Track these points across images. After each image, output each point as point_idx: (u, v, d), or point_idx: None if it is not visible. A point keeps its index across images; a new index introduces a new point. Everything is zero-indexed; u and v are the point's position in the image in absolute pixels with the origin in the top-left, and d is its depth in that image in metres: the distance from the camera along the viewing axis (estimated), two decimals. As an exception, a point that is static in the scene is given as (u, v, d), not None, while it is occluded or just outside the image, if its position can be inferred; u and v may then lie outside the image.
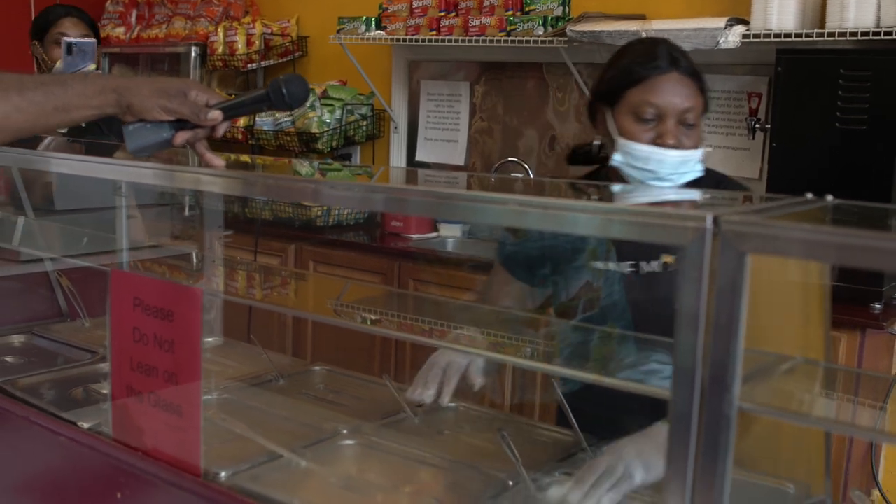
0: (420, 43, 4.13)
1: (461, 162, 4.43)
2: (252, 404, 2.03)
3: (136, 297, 1.58)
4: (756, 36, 3.16)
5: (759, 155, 3.32)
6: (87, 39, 2.81)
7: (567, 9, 3.75)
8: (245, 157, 2.31)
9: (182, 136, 1.59)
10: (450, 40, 3.97)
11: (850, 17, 3.00)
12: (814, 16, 3.19)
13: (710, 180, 1.98)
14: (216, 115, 1.57)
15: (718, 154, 3.57)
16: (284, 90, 1.57)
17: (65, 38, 2.81)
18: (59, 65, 2.83)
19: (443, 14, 4.04)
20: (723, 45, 3.15)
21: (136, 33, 5.53)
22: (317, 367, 2.32)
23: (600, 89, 1.96)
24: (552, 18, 3.69)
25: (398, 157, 4.66)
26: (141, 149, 1.60)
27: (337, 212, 4.25)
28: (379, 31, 4.27)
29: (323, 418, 1.94)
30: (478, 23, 3.83)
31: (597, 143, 2.06)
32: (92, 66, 2.73)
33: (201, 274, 2.30)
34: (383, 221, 4.30)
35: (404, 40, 4.16)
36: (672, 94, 1.87)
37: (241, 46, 4.91)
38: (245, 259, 3.52)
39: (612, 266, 1.94)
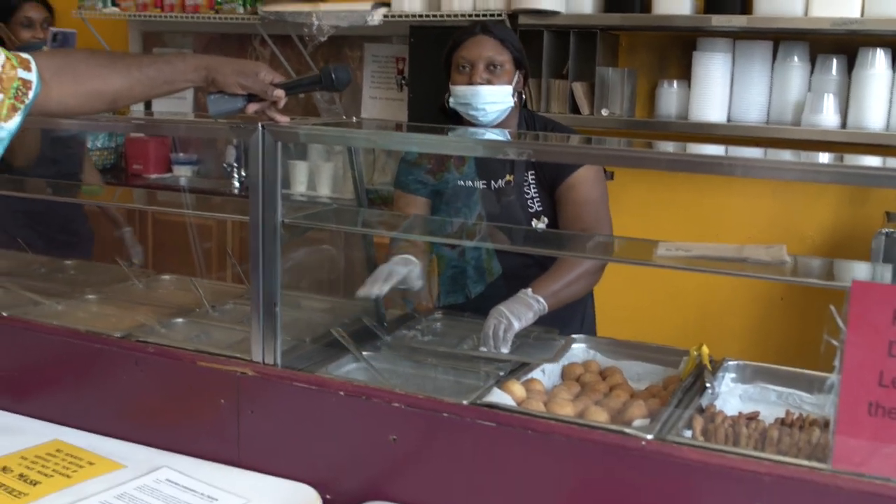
0: (148, 19, 4.98)
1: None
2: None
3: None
4: (394, 16, 4.19)
5: (405, 103, 4.36)
6: (69, 30, 3.37)
7: (265, -9, 4.65)
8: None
9: (253, 107, 1.97)
10: (172, 17, 4.84)
11: (456, 2, 4.06)
12: (436, 1, 4.18)
13: (539, 124, 2.60)
14: (280, 93, 1.95)
15: (379, 104, 4.68)
16: (334, 76, 1.98)
17: (51, 29, 3.33)
18: (45, 49, 3.23)
19: (166, -5, 4.89)
20: (370, 23, 4.17)
21: None
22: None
23: (443, 58, 2.57)
24: (251, 0, 4.61)
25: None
26: (220, 114, 1.99)
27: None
28: (114, 8, 5.06)
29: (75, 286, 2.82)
30: (193, 2, 4.73)
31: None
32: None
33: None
34: (127, 165, 5.17)
35: (135, 16, 5.00)
36: (477, 47, 2.46)
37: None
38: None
39: (471, 183, 2.56)
